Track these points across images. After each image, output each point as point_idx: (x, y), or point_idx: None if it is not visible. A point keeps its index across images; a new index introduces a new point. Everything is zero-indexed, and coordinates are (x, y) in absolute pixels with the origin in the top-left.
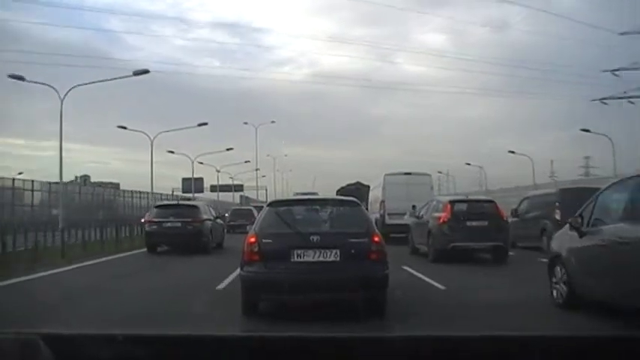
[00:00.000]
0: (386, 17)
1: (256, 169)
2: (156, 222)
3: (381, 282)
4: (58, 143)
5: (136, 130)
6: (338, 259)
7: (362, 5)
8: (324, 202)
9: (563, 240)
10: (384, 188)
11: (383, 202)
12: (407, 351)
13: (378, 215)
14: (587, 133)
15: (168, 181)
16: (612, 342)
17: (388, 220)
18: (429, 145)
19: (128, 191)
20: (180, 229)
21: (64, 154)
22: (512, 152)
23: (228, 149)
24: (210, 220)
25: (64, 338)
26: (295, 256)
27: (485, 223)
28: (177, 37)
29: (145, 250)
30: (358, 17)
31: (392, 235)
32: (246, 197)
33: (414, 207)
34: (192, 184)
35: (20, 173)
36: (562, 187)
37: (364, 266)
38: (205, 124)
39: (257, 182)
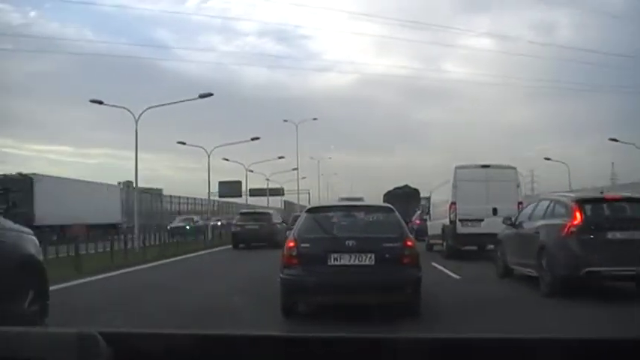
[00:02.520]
0: (431, 21)
1: (295, 169)
2: (240, 225)
3: (414, 284)
4: (103, 151)
5: (194, 146)
6: (373, 262)
7: (406, 10)
8: (359, 208)
9: None
10: (454, 186)
11: (453, 204)
12: (416, 353)
13: (446, 222)
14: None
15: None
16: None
17: (461, 229)
18: (476, 151)
19: (167, 196)
20: (258, 231)
21: (111, 160)
22: (548, 159)
23: (280, 157)
24: (279, 223)
25: (121, 336)
26: (332, 260)
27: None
28: (223, 45)
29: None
30: (402, 21)
31: (466, 248)
32: (290, 202)
33: (495, 210)
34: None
35: None
36: None
37: (398, 270)
38: (257, 138)
39: (298, 185)
